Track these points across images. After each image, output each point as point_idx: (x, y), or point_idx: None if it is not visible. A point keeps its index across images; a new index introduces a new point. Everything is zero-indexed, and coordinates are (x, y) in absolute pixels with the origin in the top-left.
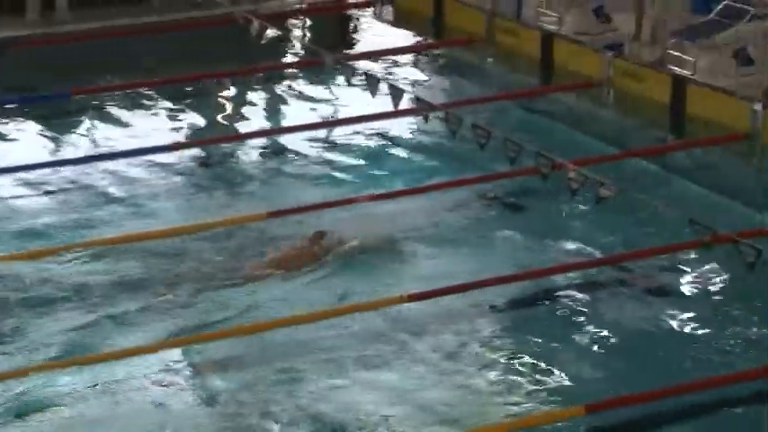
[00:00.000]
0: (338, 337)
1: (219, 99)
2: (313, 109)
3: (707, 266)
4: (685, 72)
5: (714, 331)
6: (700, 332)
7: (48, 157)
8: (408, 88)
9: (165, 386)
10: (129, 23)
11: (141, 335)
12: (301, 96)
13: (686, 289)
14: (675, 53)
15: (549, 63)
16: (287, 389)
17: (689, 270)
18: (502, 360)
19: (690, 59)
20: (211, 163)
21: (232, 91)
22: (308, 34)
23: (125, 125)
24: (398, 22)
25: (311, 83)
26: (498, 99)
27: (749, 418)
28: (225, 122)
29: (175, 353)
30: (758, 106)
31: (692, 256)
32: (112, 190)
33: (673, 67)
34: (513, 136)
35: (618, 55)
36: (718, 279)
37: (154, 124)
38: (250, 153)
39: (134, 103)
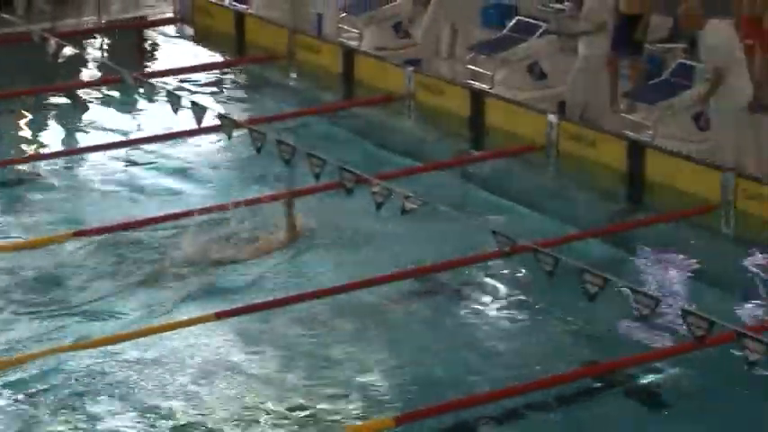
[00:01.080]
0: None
1: (16, 119)
2: (114, 128)
3: (509, 276)
4: (483, 86)
5: (520, 338)
6: (506, 340)
7: None
8: (211, 105)
9: None
10: None
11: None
12: (101, 115)
13: (490, 298)
14: (473, 68)
15: (351, 78)
16: None
17: (492, 280)
18: (310, 377)
19: (487, 73)
20: (11, 183)
21: (30, 111)
22: (107, 52)
23: None
24: (199, 39)
25: (111, 101)
26: (301, 115)
27: (562, 420)
28: (23, 143)
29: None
30: (553, 118)
31: (496, 265)
32: None
33: (471, 81)
34: (317, 151)
35: (418, 70)
36: (519, 288)
37: None
38: (51, 173)
39: None
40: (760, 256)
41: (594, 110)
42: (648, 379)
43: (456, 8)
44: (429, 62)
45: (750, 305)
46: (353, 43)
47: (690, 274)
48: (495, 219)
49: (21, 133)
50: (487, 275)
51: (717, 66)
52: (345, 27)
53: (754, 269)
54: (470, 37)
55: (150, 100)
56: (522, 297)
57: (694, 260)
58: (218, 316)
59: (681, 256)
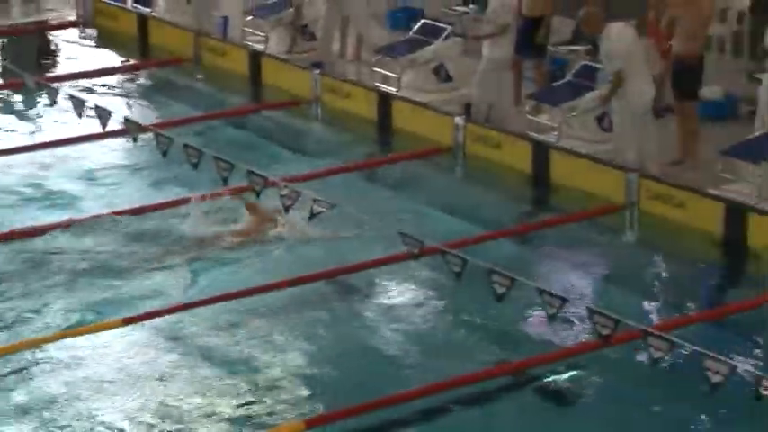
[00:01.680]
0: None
1: None
2: (16, 132)
3: (418, 277)
4: (390, 88)
5: (430, 339)
6: (416, 341)
7: None
8: (116, 109)
9: None
10: None
11: None
12: (3, 120)
13: (399, 301)
14: (380, 70)
15: (258, 81)
16: None
17: (401, 282)
18: (219, 382)
19: (394, 76)
20: None
21: None
22: (9, 57)
23: None
24: (103, 43)
25: (13, 106)
26: (208, 118)
27: (472, 419)
28: None
29: None
30: (459, 120)
31: (404, 267)
32: None
33: (378, 84)
34: (225, 155)
35: (324, 72)
36: (428, 290)
37: None
38: None
39: None
40: (663, 255)
41: (500, 111)
42: (557, 378)
43: (348, 8)
44: (335, 65)
45: (654, 304)
46: (260, 46)
47: (596, 273)
48: (403, 221)
49: None
50: (396, 278)
51: (617, 68)
52: (251, 30)
53: (658, 268)
54: (369, 37)
55: (53, 104)
56: (432, 298)
57: (600, 260)
58: (126, 322)
59: (587, 256)
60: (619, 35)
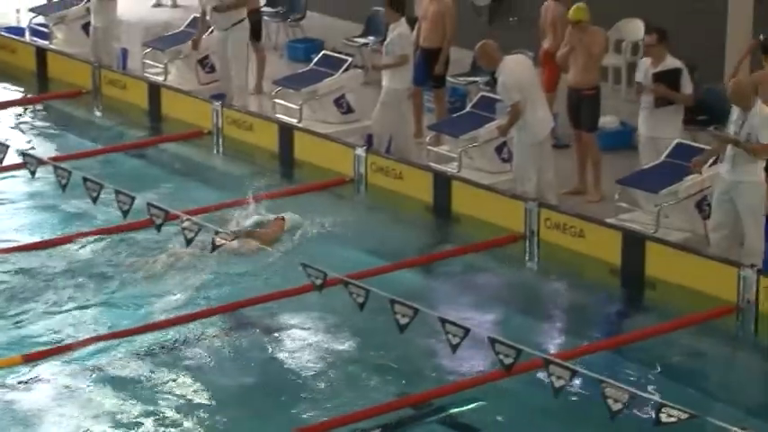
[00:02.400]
0: None
1: None
2: None
3: (321, 309)
4: (292, 120)
5: (333, 371)
6: (319, 373)
7: None
8: (14, 143)
9: None
10: None
11: None
12: None
13: (302, 333)
14: (281, 102)
15: (158, 114)
16: None
17: (304, 314)
18: (116, 419)
19: (295, 107)
20: None
21: None
22: None
23: None
24: (0, 76)
25: None
26: (108, 151)
27: None
28: None
29: None
30: (360, 151)
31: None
32: None
33: (280, 116)
34: (125, 188)
35: (225, 104)
36: (332, 321)
37: None
38: None
39: None
40: (564, 284)
41: (400, 142)
42: (460, 408)
43: (222, 46)
44: (237, 97)
45: (556, 332)
46: (159, 78)
47: (497, 303)
48: (306, 252)
49: None
50: (299, 310)
51: (514, 100)
52: (150, 62)
53: (559, 297)
54: (240, 79)
55: None
56: (335, 330)
57: (502, 290)
58: (26, 359)
59: (489, 286)
60: (514, 68)
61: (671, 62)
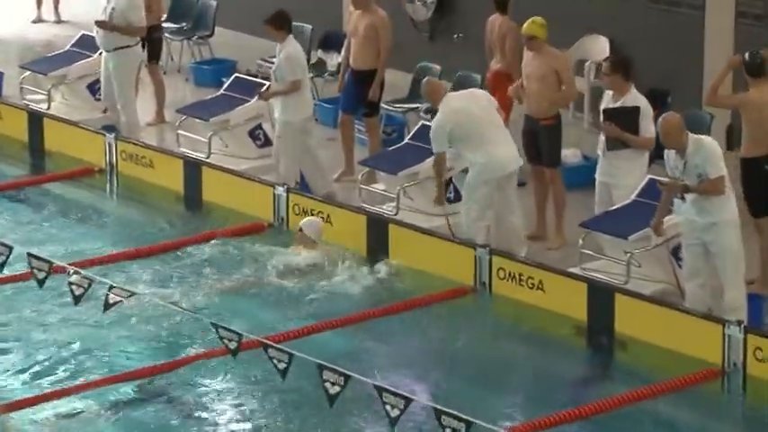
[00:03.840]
0: None
1: None
2: None
3: (238, 374)
4: (200, 155)
5: None
6: None
7: None
8: None
9: None
10: None
11: None
12: None
13: (216, 402)
14: (186, 134)
15: (40, 148)
16: None
17: (219, 379)
18: None
19: (203, 140)
20: None
21: None
22: None
23: None
24: None
25: None
26: None
27: None
28: None
29: None
30: (281, 190)
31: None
32: None
33: (185, 150)
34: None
35: (121, 137)
36: (250, 388)
37: None
38: None
39: None
40: (521, 342)
41: (314, 180)
42: None
43: (105, 69)
44: (127, 134)
45: (511, 401)
46: (41, 107)
47: (443, 366)
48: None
49: None
50: (210, 377)
51: (436, 150)
52: (30, 87)
53: (517, 358)
54: (128, 108)
55: None
56: (254, 398)
57: (447, 350)
58: None
59: (434, 344)
60: (453, 108)
61: (632, 98)
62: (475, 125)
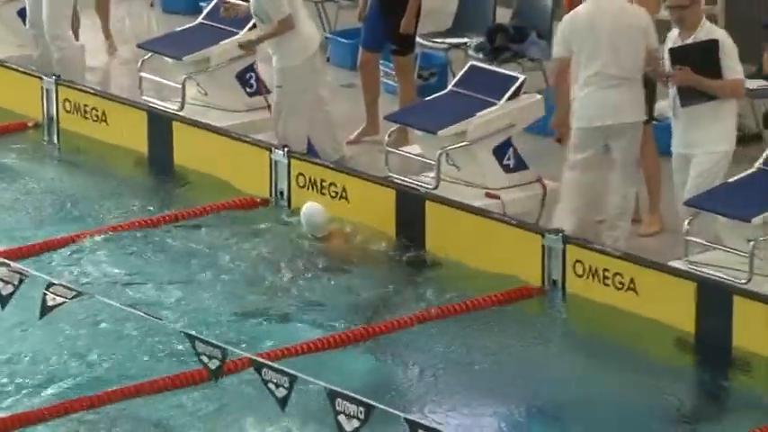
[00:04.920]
0: None
1: None
2: None
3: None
4: (170, 106)
5: None
6: None
7: None
8: None
9: None
10: None
11: None
12: None
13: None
14: (152, 77)
15: None
16: None
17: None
18: None
19: (175, 86)
20: None
21: None
22: None
23: None
24: None
25: None
26: None
27: None
28: None
29: None
30: (280, 155)
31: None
32: None
33: (149, 99)
34: None
35: (63, 82)
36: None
37: None
38: None
39: None
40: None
41: (321, 140)
42: None
43: None
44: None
45: None
46: None
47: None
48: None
49: None
50: (191, 404)
51: None
52: None
53: (607, 377)
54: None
55: None
56: None
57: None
58: None
59: (501, 357)
60: None
61: (706, 31)
62: None
